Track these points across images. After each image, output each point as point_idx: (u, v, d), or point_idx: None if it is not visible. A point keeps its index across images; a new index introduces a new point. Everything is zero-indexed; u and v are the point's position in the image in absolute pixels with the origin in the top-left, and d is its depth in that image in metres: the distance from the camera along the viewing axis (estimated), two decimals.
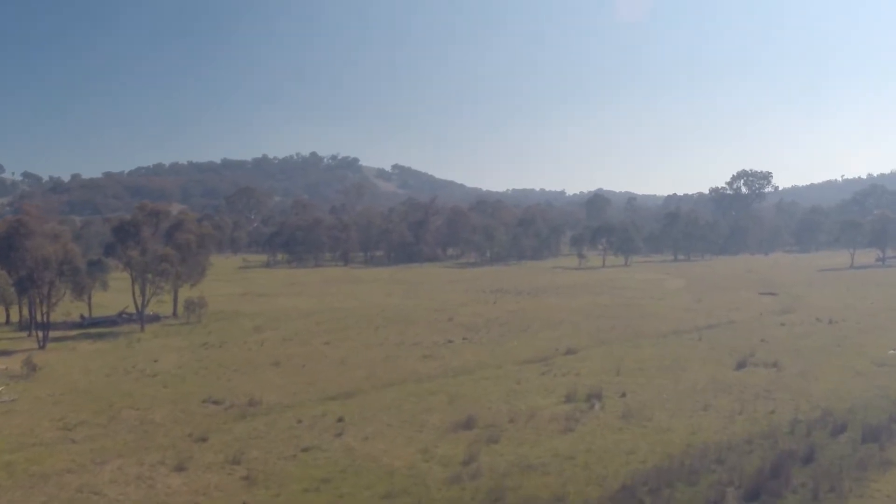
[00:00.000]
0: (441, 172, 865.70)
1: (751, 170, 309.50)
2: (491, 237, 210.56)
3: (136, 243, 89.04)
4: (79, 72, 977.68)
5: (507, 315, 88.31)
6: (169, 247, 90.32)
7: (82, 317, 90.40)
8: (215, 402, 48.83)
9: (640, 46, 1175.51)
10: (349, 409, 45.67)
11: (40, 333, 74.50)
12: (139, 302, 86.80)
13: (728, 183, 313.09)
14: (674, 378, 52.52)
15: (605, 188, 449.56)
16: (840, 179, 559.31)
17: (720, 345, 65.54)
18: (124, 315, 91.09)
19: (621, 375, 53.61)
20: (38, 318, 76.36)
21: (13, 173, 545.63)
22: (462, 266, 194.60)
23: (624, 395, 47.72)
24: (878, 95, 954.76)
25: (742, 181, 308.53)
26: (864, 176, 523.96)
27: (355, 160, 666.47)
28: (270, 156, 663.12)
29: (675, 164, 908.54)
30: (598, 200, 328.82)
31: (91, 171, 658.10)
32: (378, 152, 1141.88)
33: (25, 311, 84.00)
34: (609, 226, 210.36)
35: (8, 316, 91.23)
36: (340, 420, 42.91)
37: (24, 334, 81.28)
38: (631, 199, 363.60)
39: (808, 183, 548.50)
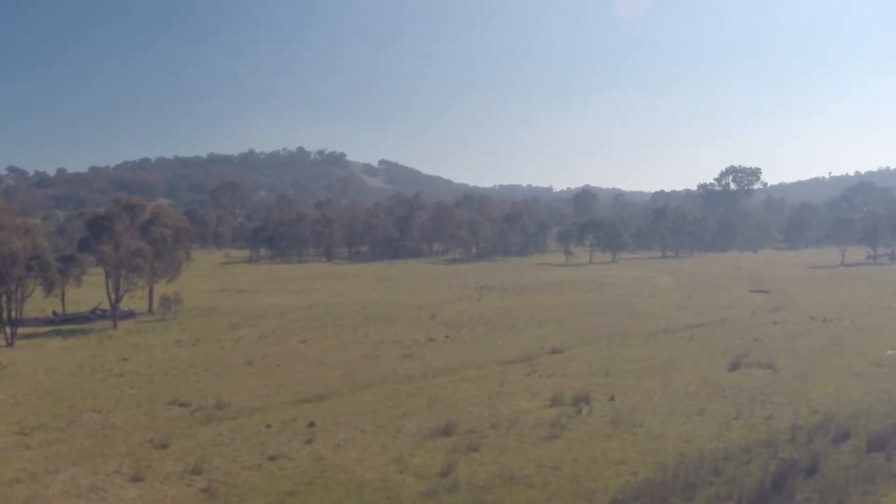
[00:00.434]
0: (428, 168, 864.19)
1: (740, 166, 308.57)
2: (476, 233, 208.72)
3: (110, 238, 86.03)
4: (65, 66, 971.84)
5: (492, 312, 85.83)
6: (144, 241, 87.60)
7: (55, 313, 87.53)
8: (181, 405, 46.07)
9: (628, 44, 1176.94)
10: (322, 412, 42.98)
11: (9, 330, 71.63)
12: (113, 298, 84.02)
13: (716, 179, 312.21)
14: (665, 380, 50.01)
15: (592, 184, 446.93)
16: (828, 177, 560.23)
17: (712, 344, 63.10)
18: (98, 311, 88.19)
19: (610, 377, 51.05)
20: (7, 314, 73.36)
21: None
22: (447, 262, 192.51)
23: (613, 398, 45.13)
24: (865, 94, 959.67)
25: (731, 177, 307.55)
26: (851, 173, 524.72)
27: (342, 155, 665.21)
28: (257, 151, 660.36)
29: (662, 162, 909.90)
30: (585, 196, 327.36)
31: (77, 166, 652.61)
32: (365, 148, 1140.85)
33: None
34: (596, 221, 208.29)
35: None
36: (311, 425, 40.20)
37: None
38: (618, 196, 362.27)
39: (796, 180, 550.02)
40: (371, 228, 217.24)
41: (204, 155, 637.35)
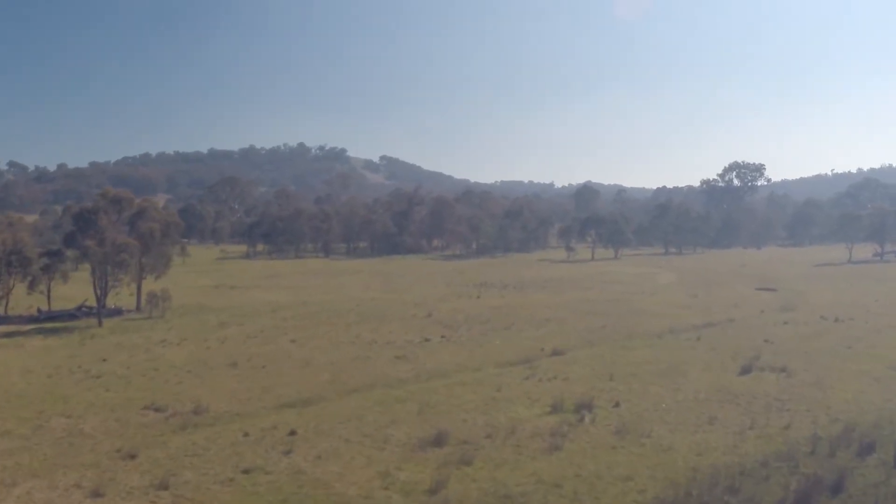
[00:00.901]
0: (429, 164, 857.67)
1: (743, 161, 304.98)
2: (477, 228, 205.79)
3: (95, 232, 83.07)
4: (66, 62, 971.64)
5: (490, 311, 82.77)
6: (132, 236, 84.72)
7: (39, 311, 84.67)
8: (157, 410, 43.18)
9: (630, 40, 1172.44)
10: (305, 419, 39.99)
11: None
12: (98, 295, 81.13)
13: (720, 175, 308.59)
14: (673, 385, 46.86)
15: (593, 181, 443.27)
16: (830, 174, 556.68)
17: (721, 346, 59.95)
18: (84, 309, 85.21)
19: (614, 381, 47.91)
20: None
21: None
22: (447, 258, 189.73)
23: (617, 404, 42.02)
24: (868, 91, 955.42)
25: (734, 173, 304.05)
26: (854, 171, 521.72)
27: (343, 151, 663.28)
28: (258, 146, 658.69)
29: (664, 158, 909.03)
30: (586, 192, 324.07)
31: (78, 161, 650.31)
32: (366, 144, 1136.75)
33: None
34: (598, 217, 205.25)
35: None
36: (292, 434, 37.20)
37: None
38: (620, 192, 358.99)
39: (798, 177, 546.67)
40: (369, 224, 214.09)
41: (204, 150, 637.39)
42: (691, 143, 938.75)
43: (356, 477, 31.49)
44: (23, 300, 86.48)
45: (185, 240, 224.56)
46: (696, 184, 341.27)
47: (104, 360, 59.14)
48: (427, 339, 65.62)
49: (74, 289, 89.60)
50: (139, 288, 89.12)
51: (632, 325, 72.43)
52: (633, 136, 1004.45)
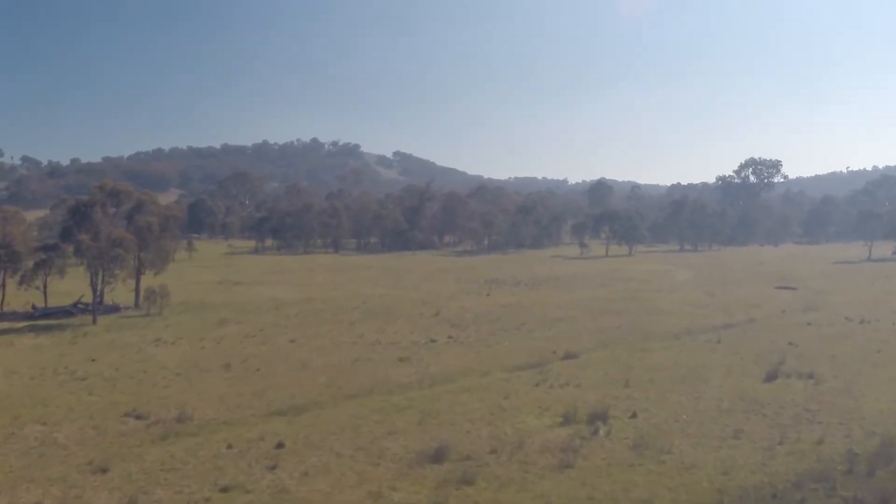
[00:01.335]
0: (443, 160, 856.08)
1: (760, 158, 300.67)
2: (489, 224, 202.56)
3: (90, 226, 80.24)
4: (79, 57, 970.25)
5: (501, 310, 79.55)
6: (130, 231, 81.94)
7: (34, 307, 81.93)
8: (138, 417, 40.21)
9: (645, 35, 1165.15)
10: (295, 429, 36.90)
11: None
12: (93, 291, 78.39)
13: (736, 171, 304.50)
14: (693, 392, 43.46)
15: (607, 177, 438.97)
16: (845, 171, 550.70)
17: (743, 349, 56.44)
18: (80, 305, 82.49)
19: (630, 388, 44.55)
20: None
21: (12, 157, 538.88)
22: (458, 254, 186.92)
23: (634, 414, 38.64)
24: (884, 88, 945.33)
25: (750, 169, 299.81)
26: (869, 168, 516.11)
27: (356, 147, 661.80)
28: (271, 142, 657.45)
29: (677, 156, 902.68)
30: (600, 188, 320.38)
31: (91, 156, 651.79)
32: (380, 139, 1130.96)
33: None
34: (612, 213, 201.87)
35: None
36: (280, 446, 34.12)
37: None
38: (634, 188, 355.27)
39: (813, 174, 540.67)
40: (379, 219, 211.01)
41: (217, 146, 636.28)
42: (704, 140, 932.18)
43: (345, 497, 28.43)
44: (20, 296, 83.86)
45: (195, 235, 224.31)
46: (710, 181, 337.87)
47: (93, 360, 56.55)
48: (433, 340, 62.49)
49: (72, 284, 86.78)
50: (137, 284, 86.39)
51: (648, 326, 69.12)
52: (647, 133, 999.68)
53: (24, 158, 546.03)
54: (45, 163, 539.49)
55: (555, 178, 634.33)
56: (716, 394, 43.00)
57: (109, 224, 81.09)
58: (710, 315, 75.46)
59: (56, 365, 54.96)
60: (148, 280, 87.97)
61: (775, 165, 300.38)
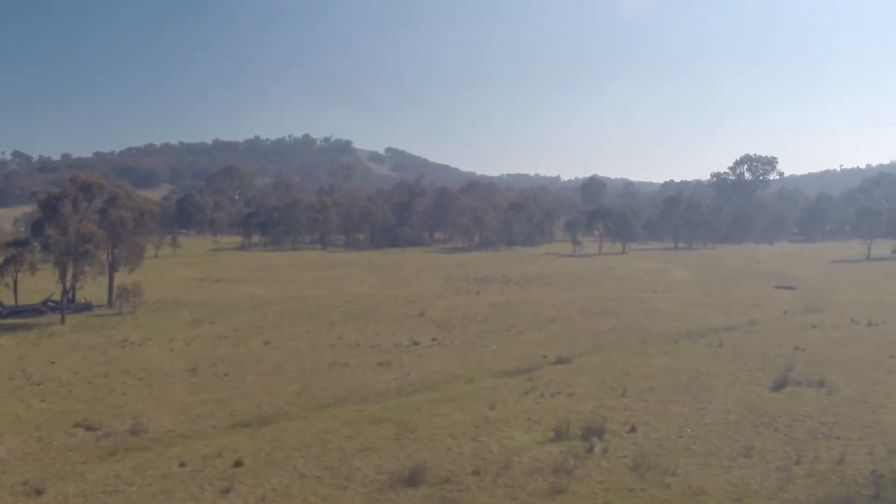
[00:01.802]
0: (435, 156, 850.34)
1: (755, 155, 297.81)
2: (480, 221, 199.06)
3: (60, 221, 76.45)
4: (71, 53, 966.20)
5: (489, 309, 75.87)
6: (102, 225, 78.16)
7: (2, 305, 78.03)
8: (89, 428, 36.47)
9: (639, 33, 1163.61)
10: (257, 444, 33.15)
11: None
12: (62, 289, 74.69)
13: (731, 168, 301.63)
14: (697, 403, 39.63)
15: (600, 174, 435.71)
16: (839, 169, 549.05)
17: (747, 353, 52.71)
18: (50, 303, 78.65)
19: (628, 397, 40.72)
20: None
21: (3, 152, 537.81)
22: (448, 251, 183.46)
23: (633, 429, 34.82)
24: (877, 87, 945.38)
25: (745, 166, 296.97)
26: (862, 166, 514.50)
27: (348, 143, 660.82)
28: (263, 137, 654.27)
29: (671, 152, 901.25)
30: (593, 185, 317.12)
31: (82, 152, 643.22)
32: (372, 135, 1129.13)
33: None
34: (606, 210, 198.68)
35: None
36: (238, 464, 30.33)
37: None
38: (628, 185, 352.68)
39: (807, 172, 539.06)
40: (368, 215, 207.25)
41: (209, 141, 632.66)
42: (697, 138, 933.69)
43: None
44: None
45: (184, 231, 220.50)
46: (704, 178, 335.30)
47: (52, 362, 52.90)
48: (416, 343, 58.64)
49: (47, 282, 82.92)
50: (111, 281, 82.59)
51: (644, 327, 65.50)
52: (640, 131, 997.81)
53: (16, 154, 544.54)
54: (35, 158, 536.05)
55: (547, 175, 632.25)
56: (722, 404, 39.27)
57: (81, 218, 77.16)
58: (709, 316, 71.97)
59: (13, 368, 51.39)
60: (123, 277, 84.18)
61: (771, 162, 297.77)
